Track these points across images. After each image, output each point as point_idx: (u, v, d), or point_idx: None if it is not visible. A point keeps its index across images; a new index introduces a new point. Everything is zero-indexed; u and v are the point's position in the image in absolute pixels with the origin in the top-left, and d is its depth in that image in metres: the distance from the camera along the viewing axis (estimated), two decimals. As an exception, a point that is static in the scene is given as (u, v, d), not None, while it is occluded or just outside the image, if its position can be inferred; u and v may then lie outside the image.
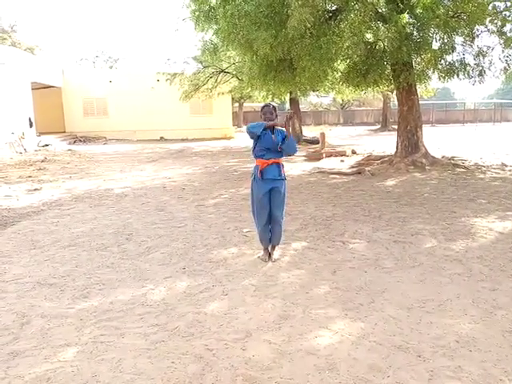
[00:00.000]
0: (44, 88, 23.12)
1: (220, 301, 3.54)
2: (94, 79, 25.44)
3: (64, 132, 24.42)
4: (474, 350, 2.75)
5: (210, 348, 2.83)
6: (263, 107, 4.35)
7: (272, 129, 4.25)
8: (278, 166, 4.36)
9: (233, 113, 29.32)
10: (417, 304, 3.42)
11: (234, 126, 29.10)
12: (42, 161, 13.67)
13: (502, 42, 9.58)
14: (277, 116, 4.31)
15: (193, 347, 2.84)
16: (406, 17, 8.46)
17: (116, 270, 4.27)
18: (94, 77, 25.79)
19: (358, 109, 46.35)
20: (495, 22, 9.40)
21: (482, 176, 9.69)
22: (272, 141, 4.25)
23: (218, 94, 22.35)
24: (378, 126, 34.50)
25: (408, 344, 2.83)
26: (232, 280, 3.97)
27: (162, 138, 25.21)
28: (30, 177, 10.52)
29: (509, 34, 9.31)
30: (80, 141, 23.08)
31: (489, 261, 4.34)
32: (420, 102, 11.85)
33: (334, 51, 9.48)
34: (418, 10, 8.57)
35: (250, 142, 4.50)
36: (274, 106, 4.34)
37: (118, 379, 2.52)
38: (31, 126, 19.03)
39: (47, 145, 18.99)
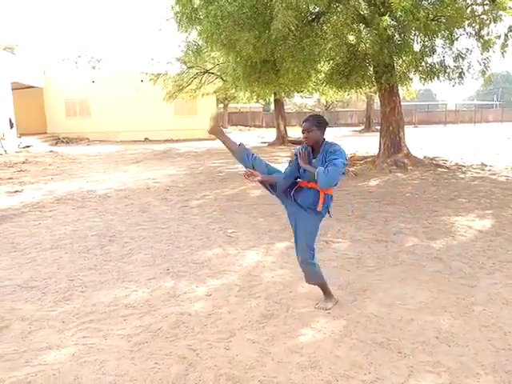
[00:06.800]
0: (25, 88, 22.68)
1: (204, 301, 3.54)
2: (77, 80, 25.10)
3: (46, 133, 24.00)
4: (453, 345, 2.82)
5: (194, 348, 2.84)
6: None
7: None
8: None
9: (218, 113, 29.29)
10: (398, 301, 3.47)
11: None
12: (23, 162, 13.42)
13: (479, 45, 9.80)
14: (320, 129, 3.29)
15: (176, 348, 2.84)
16: (387, 19, 8.57)
17: (99, 272, 4.24)
18: (76, 77, 25.44)
19: (342, 110, 46.72)
20: (473, 25, 9.62)
21: (462, 176, 9.89)
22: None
23: (203, 94, 22.30)
24: (362, 127, 34.86)
25: (389, 341, 2.88)
26: (216, 280, 3.98)
27: (146, 138, 25.01)
28: (10, 178, 10.32)
29: (486, 38, 9.53)
30: (62, 142, 22.73)
31: (468, 258, 4.44)
32: (402, 104, 12.04)
33: (317, 53, 9.56)
34: (399, 13, 8.67)
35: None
36: (312, 118, 3.26)
37: (100, 381, 2.51)
38: (12, 127, 18.64)
39: (28, 146, 18.65)
